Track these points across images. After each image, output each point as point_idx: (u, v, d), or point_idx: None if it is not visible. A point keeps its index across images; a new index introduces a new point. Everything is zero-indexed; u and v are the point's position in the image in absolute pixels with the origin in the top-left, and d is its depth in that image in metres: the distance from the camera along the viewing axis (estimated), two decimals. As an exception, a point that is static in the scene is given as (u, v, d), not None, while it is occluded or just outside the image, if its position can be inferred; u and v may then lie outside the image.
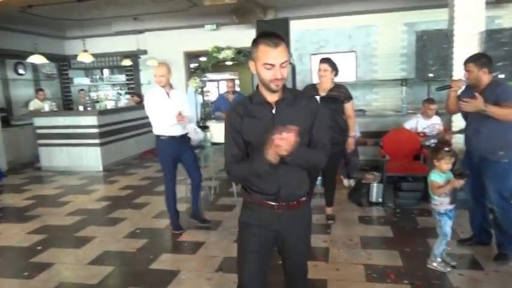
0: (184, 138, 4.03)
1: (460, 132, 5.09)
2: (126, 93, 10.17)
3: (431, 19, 7.65)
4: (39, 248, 3.79)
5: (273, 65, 1.58)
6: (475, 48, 5.32)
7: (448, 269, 2.98)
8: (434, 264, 3.02)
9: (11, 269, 3.39)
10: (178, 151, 3.95)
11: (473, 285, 2.81)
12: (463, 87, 3.26)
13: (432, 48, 5.64)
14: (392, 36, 8.10)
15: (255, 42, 1.64)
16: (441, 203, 2.97)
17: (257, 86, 1.74)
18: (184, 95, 4.32)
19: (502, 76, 5.10)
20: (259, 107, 1.70)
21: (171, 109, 3.81)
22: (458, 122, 5.48)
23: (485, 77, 3.02)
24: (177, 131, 3.90)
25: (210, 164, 5.98)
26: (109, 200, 5.38)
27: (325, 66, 3.80)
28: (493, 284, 2.79)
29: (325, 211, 4.20)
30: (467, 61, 3.11)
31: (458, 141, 5.50)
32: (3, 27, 8.12)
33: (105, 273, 3.21)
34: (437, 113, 5.40)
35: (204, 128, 6.04)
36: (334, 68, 3.85)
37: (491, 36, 5.23)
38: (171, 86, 4.01)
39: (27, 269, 3.34)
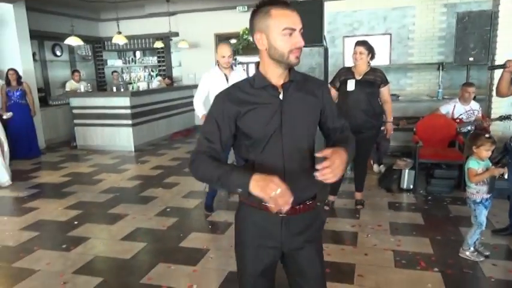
0: None
1: (500, 119, 4.87)
2: (157, 75, 10.33)
3: (473, 0, 7.27)
4: (75, 222, 3.96)
5: (293, 30, 1.30)
6: (520, 30, 5.03)
7: (481, 259, 2.90)
8: (467, 253, 2.94)
9: (50, 241, 3.57)
10: None
11: (507, 275, 2.71)
12: None
13: (474, 31, 5.36)
14: (431, 18, 7.74)
15: (261, 9, 1.33)
16: (478, 191, 2.86)
17: (257, 67, 1.42)
18: (244, 73, 4.09)
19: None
20: (262, 92, 1.38)
21: None
22: (497, 109, 5.25)
23: None
24: None
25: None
26: (140, 179, 5.53)
27: (361, 49, 3.69)
28: (531, 276, 2.70)
29: (354, 196, 4.16)
30: None
31: (496, 128, 5.27)
32: (41, 9, 8.37)
33: (138, 249, 3.33)
34: (475, 99, 5.17)
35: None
36: (371, 51, 3.74)
37: (539, 17, 4.90)
38: (231, 67, 3.86)
39: (65, 241, 3.52)
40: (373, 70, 3.81)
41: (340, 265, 2.89)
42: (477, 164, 2.85)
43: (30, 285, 2.80)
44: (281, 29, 1.29)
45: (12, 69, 6.73)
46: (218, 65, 3.81)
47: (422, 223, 3.67)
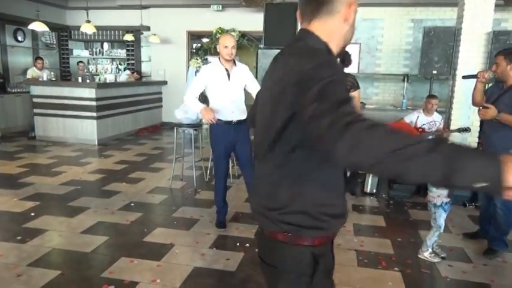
0: (241, 125, 3.39)
1: (458, 131, 5.13)
2: (126, 68, 10.07)
3: (438, 17, 7.67)
4: (32, 214, 3.77)
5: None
6: (481, 48, 5.33)
7: (438, 260, 3.03)
8: (425, 254, 3.06)
9: (4, 233, 3.37)
10: (233, 139, 3.41)
11: (461, 275, 2.85)
12: (490, 79, 3.22)
13: (438, 45, 5.63)
14: (398, 31, 8.06)
15: None
16: (439, 195, 2.99)
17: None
18: (248, 72, 3.53)
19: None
20: None
21: (229, 94, 3.35)
22: (456, 121, 5.53)
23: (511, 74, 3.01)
24: (232, 116, 3.38)
25: (206, 144, 5.95)
26: (103, 173, 5.36)
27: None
28: (480, 276, 2.84)
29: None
30: (498, 54, 3.10)
31: (455, 140, 5.55)
32: (4, -10, 7.95)
33: (99, 242, 3.22)
34: (437, 111, 5.42)
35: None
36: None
37: (498, 37, 5.23)
38: (234, 62, 3.44)
39: (20, 233, 3.34)
40: (345, 75, 3.91)
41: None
42: (438, 169, 2.98)
43: (-20, 276, 2.64)
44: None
45: None
46: (219, 58, 3.39)
47: (384, 225, 3.79)
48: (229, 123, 3.36)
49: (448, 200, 3.01)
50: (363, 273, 2.84)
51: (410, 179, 0.85)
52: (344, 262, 2.99)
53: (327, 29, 1.10)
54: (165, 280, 2.66)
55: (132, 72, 9.49)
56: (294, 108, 0.98)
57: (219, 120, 3.29)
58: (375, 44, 8.21)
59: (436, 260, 3.04)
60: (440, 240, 3.23)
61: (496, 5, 6.26)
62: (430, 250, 3.07)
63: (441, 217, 3.01)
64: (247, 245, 3.24)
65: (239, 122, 3.38)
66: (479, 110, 3.14)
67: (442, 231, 3.06)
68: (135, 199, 4.32)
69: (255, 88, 3.30)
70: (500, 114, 2.91)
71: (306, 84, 0.94)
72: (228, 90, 3.36)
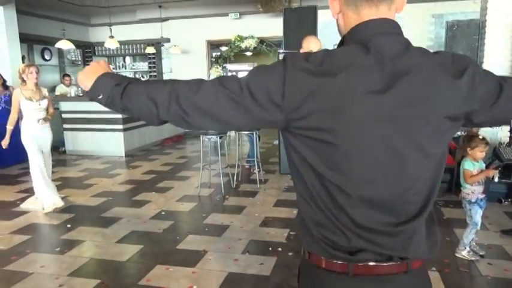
0: None
1: (488, 125, 5.01)
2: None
3: (460, 10, 7.50)
4: (68, 226, 3.89)
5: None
6: (507, 39, 5.19)
7: (477, 258, 2.95)
8: (463, 253, 2.99)
9: (43, 244, 3.50)
10: None
11: (503, 274, 2.77)
12: None
13: (462, 39, 5.52)
14: (420, 28, 7.94)
15: None
16: (473, 191, 2.92)
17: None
18: None
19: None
20: None
21: None
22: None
23: None
24: None
25: (232, 151, 6.03)
26: (133, 184, 5.47)
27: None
28: (524, 275, 2.76)
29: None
30: None
31: (484, 134, 5.39)
32: (31, 12, 8.29)
33: (134, 251, 3.29)
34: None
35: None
36: None
37: (525, 27, 5.08)
38: None
39: (59, 245, 3.45)
40: None
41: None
42: (472, 165, 2.91)
43: (26, 286, 2.73)
44: None
45: None
46: None
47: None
48: None
49: (483, 196, 2.94)
50: (400, 274, 2.79)
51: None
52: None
53: None
54: (201, 286, 2.69)
55: None
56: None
57: None
58: (395, 42, 8.11)
59: (475, 258, 2.96)
60: (477, 238, 3.15)
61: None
62: (467, 248, 2.99)
63: (477, 214, 2.93)
64: (280, 249, 3.24)
65: None
66: None
67: (478, 228, 2.98)
68: (165, 208, 4.40)
69: None
70: None
71: None
72: None
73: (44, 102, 4.34)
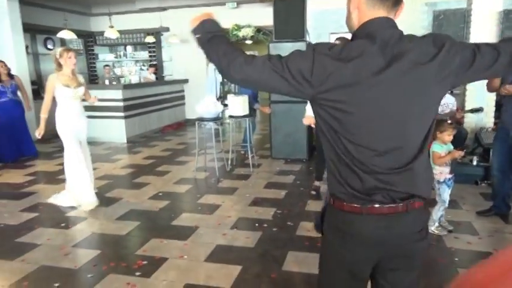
0: None
1: (471, 111, 5.23)
2: (148, 68, 10.53)
3: (453, -1, 7.62)
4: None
5: None
6: (492, 28, 5.37)
7: (445, 233, 3.22)
8: (432, 228, 3.25)
9: (49, 220, 3.80)
10: None
11: (466, 246, 3.04)
12: None
13: (449, 28, 5.72)
14: (412, 16, 8.06)
15: None
16: (441, 172, 3.18)
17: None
18: None
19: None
20: None
21: None
22: (470, 102, 5.60)
23: None
24: None
25: (228, 138, 6.28)
26: (133, 168, 5.77)
27: (339, 42, 3.98)
28: (484, 246, 3.03)
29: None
30: None
31: (470, 120, 5.63)
32: (34, 3, 8.50)
33: (132, 227, 3.59)
34: (452, 93, 5.51)
35: (224, 105, 6.29)
36: None
37: (509, 16, 5.27)
38: None
39: (64, 221, 3.76)
40: None
41: (318, 240, 3.19)
42: (440, 147, 3.16)
43: (35, 256, 3.04)
44: None
45: (1, 61, 6.18)
46: None
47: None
48: None
49: (450, 176, 3.19)
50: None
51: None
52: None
53: None
54: (191, 256, 2.99)
55: (151, 66, 9.90)
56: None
57: None
58: (389, 30, 8.27)
59: (444, 233, 3.23)
60: (449, 216, 3.42)
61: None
62: (436, 224, 3.26)
63: (445, 192, 3.19)
64: (266, 225, 3.53)
65: None
66: (501, 88, 3.27)
67: (446, 205, 3.25)
68: (163, 189, 4.69)
69: None
70: None
71: None
72: None
73: (81, 90, 4.10)
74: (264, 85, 1.23)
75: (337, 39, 4.12)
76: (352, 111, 1.13)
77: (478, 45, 1.19)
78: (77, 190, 4.10)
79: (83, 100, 4.30)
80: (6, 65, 6.22)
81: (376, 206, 1.19)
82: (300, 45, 5.31)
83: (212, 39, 1.26)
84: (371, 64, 1.11)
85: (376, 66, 1.11)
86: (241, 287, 2.55)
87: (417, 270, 1.31)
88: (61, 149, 6.99)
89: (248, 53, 1.26)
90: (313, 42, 6.77)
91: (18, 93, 6.41)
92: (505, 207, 3.55)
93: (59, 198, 4.24)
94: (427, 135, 1.20)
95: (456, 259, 2.86)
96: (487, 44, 1.19)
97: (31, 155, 6.50)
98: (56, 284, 2.63)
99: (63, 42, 9.71)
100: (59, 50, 4.04)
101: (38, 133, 4.13)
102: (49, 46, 9.49)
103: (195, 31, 1.30)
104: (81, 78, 4.23)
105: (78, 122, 4.16)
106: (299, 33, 5.42)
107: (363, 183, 1.18)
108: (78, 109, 4.15)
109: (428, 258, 2.88)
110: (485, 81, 3.68)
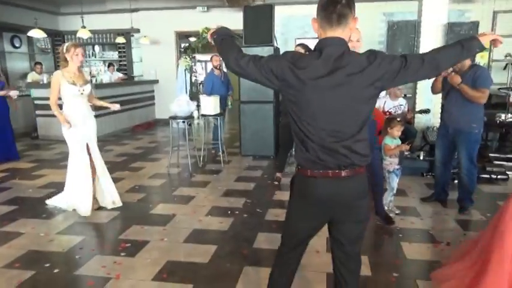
0: None
1: (419, 112, 5.83)
2: (117, 70, 10.61)
3: (408, 10, 8.30)
4: (50, 198, 4.36)
5: None
6: (439, 38, 6.01)
7: (393, 215, 3.70)
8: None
9: (30, 212, 3.96)
10: None
11: (409, 225, 3.54)
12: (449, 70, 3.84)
13: (401, 37, 6.32)
14: (371, 25, 8.70)
15: None
16: (391, 163, 3.67)
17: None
18: None
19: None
20: None
21: None
22: (420, 104, 6.23)
23: (467, 61, 3.67)
24: None
25: (199, 136, 6.59)
26: (107, 164, 5.84)
27: (299, 48, 4.43)
28: (424, 226, 3.55)
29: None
30: None
31: (420, 120, 6.26)
32: (3, 1, 8.43)
33: (112, 216, 3.84)
34: (405, 96, 6.11)
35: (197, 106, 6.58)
36: (309, 51, 4.47)
37: (452, 28, 5.93)
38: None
39: (45, 212, 3.95)
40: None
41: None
42: (391, 141, 3.65)
43: (21, 242, 3.24)
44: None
45: None
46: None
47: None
48: None
49: (398, 167, 3.68)
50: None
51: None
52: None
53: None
54: (170, 238, 3.30)
55: (110, 65, 10.02)
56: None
57: None
58: (350, 37, 8.86)
59: (391, 215, 3.71)
60: (398, 202, 3.92)
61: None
62: (385, 208, 3.74)
63: (394, 181, 3.68)
64: (237, 212, 3.89)
65: None
66: (447, 76, 3.72)
67: (395, 192, 3.74)
68: (139, 183, 4.94)
69: None
70: (462, 84, 3.58)
71: None
72: None
73: (88, 88, 3.87)
74: (249, 75, 1.68)
75: (297, 45, 4.56)
76: (301, 104, 1.58)
77: (405, 56, 1.60)
78: (74, 195, 3.92)
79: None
80: None
81: (327, 171, 1.60)
82: (268, 50, 5.72)
83: (223, 40, 1.79)
84: (314, 72, 1.53)
85: (318, 74, 1.53)
86: (217, 262, 2.89)
87: (362, 224, 1.74)
88: (30, 148, 7.04)
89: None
90: (280, 46, 7.22)
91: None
92: (444, 194, 4.10)
93: (56, 199, 4.13)
94: (364, 122, 1.60)
95: (400, 235, 3.35)
96: (414, 55, 1.62)
97: (15, 159, 6.25)
98: (47, 265, 2.87)
99: (30, 40, 9.66)
100: (66, 44, 3.78)
101: (68, 125, 3.76)
102: (16, 44, 9.41)
103: (213, 35, 1.83)
104: (87, 76, 3.95)
105: (85, 123, 3.89)
106: (267, 38, 5.83)
107: (316, 152, 1.59)
108: (85, 108, 3.89)
109: (376, 235, 3.36)
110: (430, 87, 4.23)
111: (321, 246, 3.11)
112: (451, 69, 3.80)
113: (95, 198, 3.98)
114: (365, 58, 1.55)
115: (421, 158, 5.11)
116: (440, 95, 4.42)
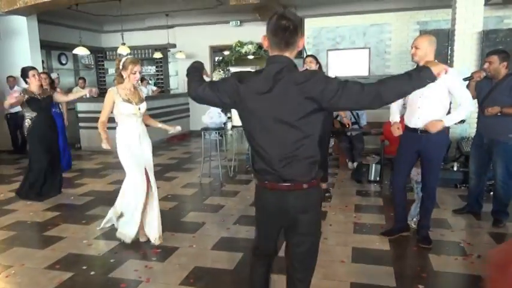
0: None
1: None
2: (156, 84, 11.07)
3: (442, 18, 8.16)
4: (90, 205, 4.65)
5: None
6: (473, 47, 5.86)
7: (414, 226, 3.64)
8: (411, 222, 3.68)
9: (71, 218, 4.24)
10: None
11: (438, 237, 3.47)
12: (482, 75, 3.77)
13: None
14: (405, 34, 8.60)
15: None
16: (418, 173, 3.62)
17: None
18: None
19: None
20: None
21: None
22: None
23: (503, 70, 3.61)
24: None
25: (230, 147, 6.76)
26: (143, 174, 6.21)
27: (311, 59, 4.50)
28: (454, 238, 3.47)
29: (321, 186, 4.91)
30: (491, 53, 3.68)
31: (454, 130, 6.09)
32: (51, 21, 9.10)
33: (145, 223, 4.02)
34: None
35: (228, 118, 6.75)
36: (318, 62, 4.55)
37: (488, 36, 5.77)
38: None
39: (85, 218, 4.21)
40: None
41: (311, 232, 3.63)
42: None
43: (62, 245, 3.49)
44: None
45: (43, 72, 6.01)
46: None
47: (381, 204, 4.43)
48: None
49: (427, 177, 3.63)
50: (357, 237, 3.51)
51: None
52: (343, 230, 3.67)
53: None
54: (199, 245, 3.43)
55: (157, 88, 10.45)
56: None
57: None
58: (383, 47, 8.78)
59: (413, 226, 3.65)
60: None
61: (495, 3, 6.78)
62: (415, 219, 3.69)
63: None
64: (264, 221, 3.97)
65: None
66: (485, 109, 3.65)
67: (424, 203, 3.68)
68: (171, 192, 5.14)
69: None
70: (504, 109, 3.50)
71: None
72: None
73: (143, 106, 3.56)
74: (207, 98, 1.81)
75: (307, 56, 4.76)
76: (247, 118, 1.71)
77: (347, 81, 1.63)
78: (124, 219, 3.58)
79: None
80: (49, 75, 6.22)
81: (271, 183, 1.69)
82: (298, 62, 5.81)
83: (189, 74, 1.95)
84: (256, 88, 1.65)
85: (259, 90, 1.64)
86: (242, 269, 2.97)
87: (311, 237, 1.79)
88: (73, 158, 7.46)
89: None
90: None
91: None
92: (478, 206, 3.98)
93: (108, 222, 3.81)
94: (304, 139, 1.63)
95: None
96: (356, 81, 1.64)
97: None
98: (84, 267, 3.07)
99: (75, 57, 10.32)
100: (123, 60, 3.39)
101: (107, 145, 3.45)
102: (63, 61, 10.09)
103: (188, 69, 2.01)
104: (142, 94, 3.65)
105: (142, 144, 3.55)
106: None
107: (260, 165, 1.71)
108: (140, 129, 3.54)
109: (403, 246, 3.32)
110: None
111: (346, 256, 3.13)
112: (483, 73, 3.73)
113: (143, 229, 3.59)
114: (304, 75, 1.64)
115: (455, 168, 4.97)
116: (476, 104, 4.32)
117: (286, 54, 1.66)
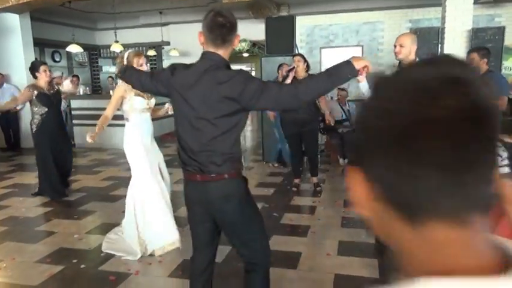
0: None
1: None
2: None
3: (434, 16, 8.23)
4: (81, 201, 4.68)
5: None
6: (462, 45, 5.94)
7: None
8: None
9: (63, 214, 4.28)
10: None
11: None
12: None
13: (424, 45, 6.26)
14: (397, 32, 8.60)
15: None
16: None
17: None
18: None
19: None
20: None
21: None
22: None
23: (484, 66, 3.67)
24: None
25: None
26: (136, 171, 6.25)
27: (299, 58, 4.55)
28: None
29: (311, 181, 5.01)
30: (472, 51, 3.77)
31: None
32: (44, 19, 9.08)
33: (137, 218, 4.06)
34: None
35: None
36: (306, 61, 4.61)
37: (477, 34, 5.85)
38: None
39: (77, 213, 4.25)
40: (310, 75, 4.64)
41: (299, 227, 3.69)
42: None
43: (53, 240, 3.53)
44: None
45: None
46: None
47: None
48: None
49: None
50: (343, 231, 3.58)
51: None
52: (330, 225, 3.74)
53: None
54: (188, 239, 3.40)
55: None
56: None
57: None
58: (376, 45, 8.85)
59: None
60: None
61: (486, 2, 6.86)
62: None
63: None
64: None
65: None
66: None
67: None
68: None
69: None
70: None
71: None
72: None
73: (153, 102, 3.38)
74: (147, 86, 1.96)
75: (295, 55, 4.89)
76: (175, 108, 1.81)
77: (267, 83, 1.71)
78: (150, 228, 3.22)
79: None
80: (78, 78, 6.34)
81: (193, 174, 1.76)
82: (289, 59, 5.86)
83: (126, 70, 2.14)
84: (185, 81, 1.74)
85: (186, 82, 1.74)
86: (231, 262, 3.04)
87: (235, 224, 1.85)
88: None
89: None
90: (305, 56, 7.33)
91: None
92: None
93: (112, 244, 3.33)
94: (222, 133, 1.70)
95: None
96: (276, 83, 1.73)
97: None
98: (74, 260, 3.11)
99: (69, 55, 10.30)
100: (126, 54, 3.22)
101: (91, 137, 3.36)
102: (56, 59, 10.07)
103: (119, 73, 2.19)
104: None
105: (153, 141, 3.45)
106: (289, 48, 5.97)
107: (183, 156, 1.78)
108: (150, 124, 3.41)
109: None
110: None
111: (332, 250, 3.19)
112: None
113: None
114: (227, 75, 1.69)
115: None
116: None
117: (220, 52, 1.72)
